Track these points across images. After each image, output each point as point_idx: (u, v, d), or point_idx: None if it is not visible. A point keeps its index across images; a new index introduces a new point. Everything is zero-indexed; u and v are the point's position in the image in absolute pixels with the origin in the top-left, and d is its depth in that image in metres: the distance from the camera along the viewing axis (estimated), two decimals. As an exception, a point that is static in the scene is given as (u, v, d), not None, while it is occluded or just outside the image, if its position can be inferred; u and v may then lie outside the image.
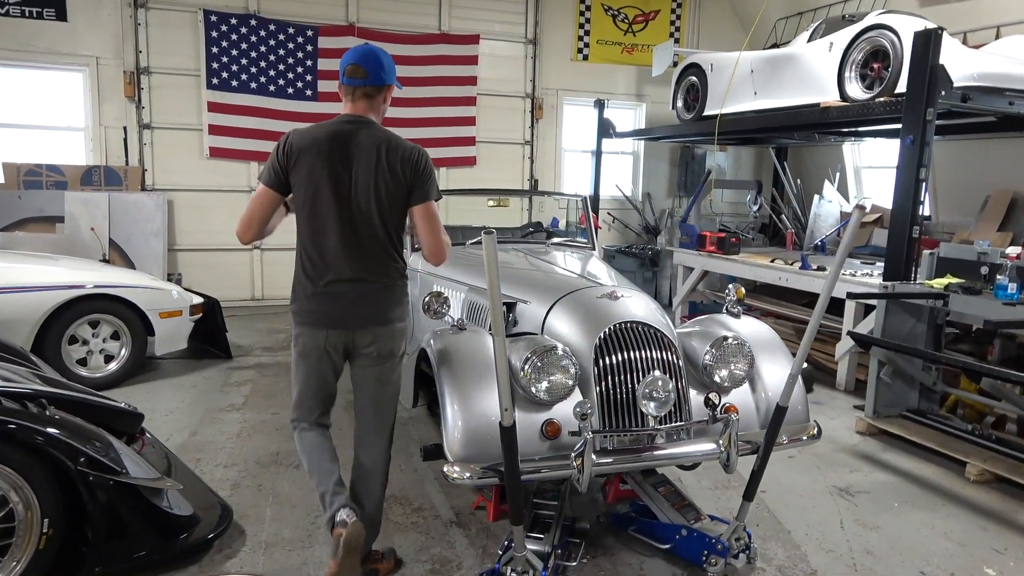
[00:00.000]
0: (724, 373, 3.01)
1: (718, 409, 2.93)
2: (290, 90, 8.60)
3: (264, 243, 8.70)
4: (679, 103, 8.77)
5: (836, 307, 6.39)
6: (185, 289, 6.22)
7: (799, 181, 9.40)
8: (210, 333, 6.43)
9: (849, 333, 5.38)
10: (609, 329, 2.93)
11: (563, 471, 2.67)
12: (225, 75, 8.33)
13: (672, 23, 10.32)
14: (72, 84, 8.10)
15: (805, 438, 3.10)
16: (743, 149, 10.90)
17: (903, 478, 4.19)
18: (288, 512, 3.51)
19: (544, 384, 2.75)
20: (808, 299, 7.10)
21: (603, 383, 2.85)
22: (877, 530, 3.53)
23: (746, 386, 3.08)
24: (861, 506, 3.79)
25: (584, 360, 2.88)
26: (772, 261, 6.90)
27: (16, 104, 7.98)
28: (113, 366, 5.39)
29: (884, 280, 5.24)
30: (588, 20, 9.93)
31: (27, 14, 7.76)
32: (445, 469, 2.62)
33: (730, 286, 3.52)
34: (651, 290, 8.56)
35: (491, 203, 5.22)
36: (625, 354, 2.89)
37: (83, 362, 5.29)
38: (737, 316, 3.40)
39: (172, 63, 8.23)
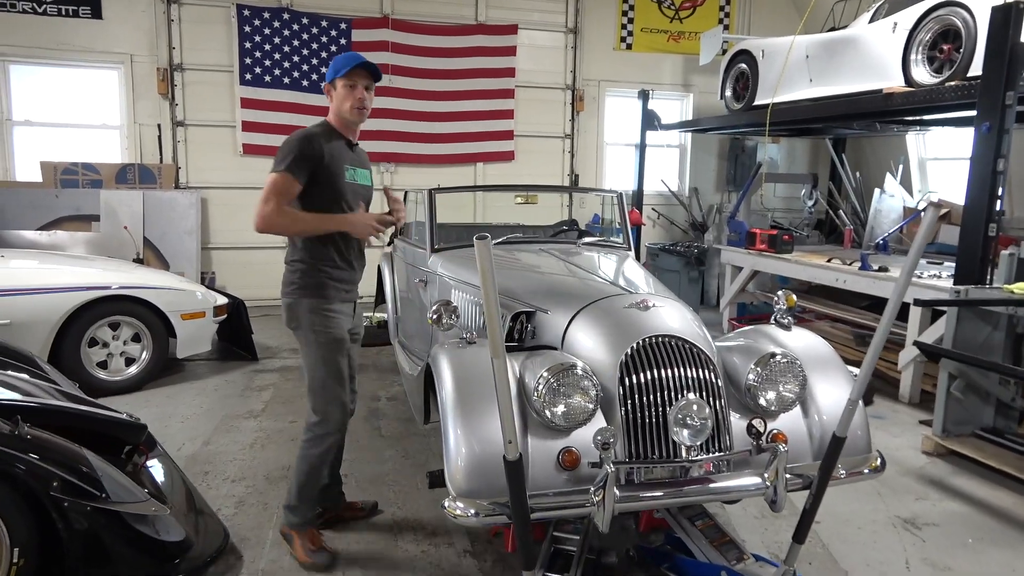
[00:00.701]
0: (771, 396, 2.63)
1: (763, 437, 2.55)
2: (323, 85, 8.39)
3: (298, 241, 8.53)
4: (728, 92, 8.29)
5: (899, 311, 5.89)
6: (214, 289, 6.08)
7: (858, 174, 8.81)
8: (237, 333, 6.28)
9: (916, 343, 4.88)
10: (637, 344, 2.57)
11: (581, 508, 2.34)
12: (258, 70, 8.19)
13: (721, 8, 9.81)
14: (107, 82, 8.07)
15: (866, 471, 2.69)
16: (797, 141, 10.32)
17: (977, 508, 3.72)
18: (291, 535, 3.26)
19: (560, 408, 2.41)
20: (868, 301, 6.57)
21: (629, 406, 2.50)
22: (949, 572, 3.09)
23: (797, 410, 2.69)
24: (930, 541, 3.35)
25: (608, 379, 2.54)
26: (828, 261, 6.40)
27: (54, 103, 7.98)
28: (133, 369, 5.26)
29: (955, 284, 4.73)
30: (632, 7, 9.50)
31: (64, 12, 7.75)
32: (446, 504, 2.31)
33: (779, 292, 3.13)
34: (697, 290, 8.12)
35: (518, 200, 4.88)
36: (655, 372, 2.53)
37: (104, 365, 5.17)
38: (787, 327, 3.01)
39: (205, 59, 8.13)
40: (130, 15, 7.90)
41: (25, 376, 3.65)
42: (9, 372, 3.58)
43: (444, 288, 3.94)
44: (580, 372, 2.45)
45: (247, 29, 8.10)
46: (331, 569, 2.98)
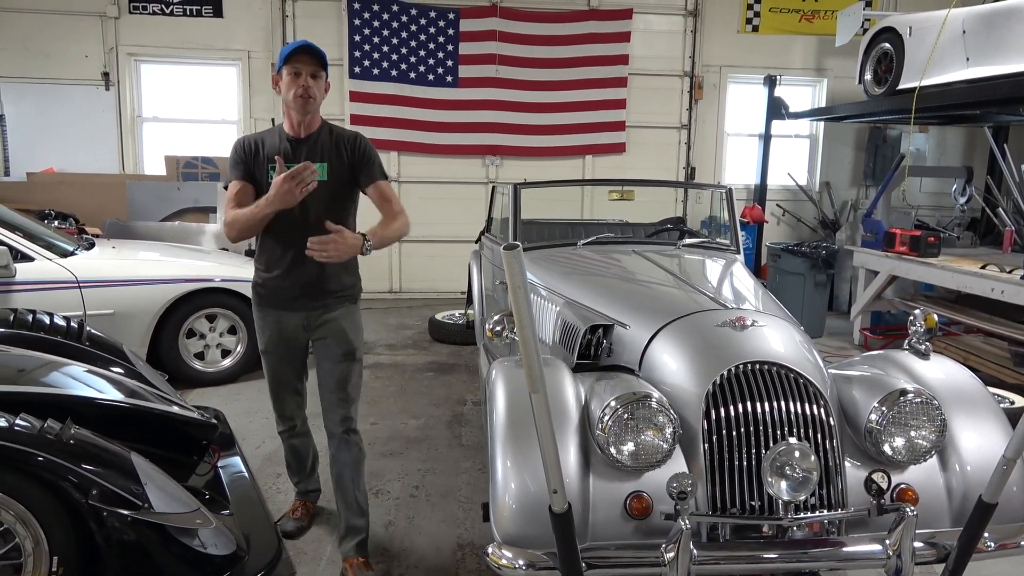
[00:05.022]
0: (899, 443, 2.12)
1: (887, 495, 2.05)
2: (430, 76, 8.30)
3: (403, 235, 8.49)
4: (868, 75, 7.40)
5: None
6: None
7: (1024, 167, 7.67)
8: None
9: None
10: (729, 371, 2.15)
11: (650, 566, 1.96)
12: (367, 63, 8.19)
13: (864, -17, 8.85)
14: (227, 78, 8.33)
15: (1023, 543, 2.14)
16: (949, 129, 9.19)
17: None
18: (349, 553, 3.06)
19: (628, 446, 2.04)
20: (1031, 314, 5.64)
21: (715, 445, 2.08)
22: None
23: (932, 462, 2.17)
24: (1109, 626, 2.69)
25: (691, 413, 2.13)
26: (983, 267, 5.54)
27: (177, 100, 8.35)
28: (228, 362, 5.31)
29: None
30: (760, -14, 8.76)
31: (188, 12, 8.07)
32: (490, 551, 2.00)
33: (916, 311, 2.58)
34: (824, 296, 7.34)
35: (613, 196, 4.48)
36: (749, 406, 2.10)
37: (200, 356, 5.26)
38: (925, 355, 2.46)
39: (317, 53, 8.21)
40: (248, 12, 8.12)
41: (116, 370, 3.67)
42: (81, 365, 3.59)
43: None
44: (655, 405, 2.06)
45: (357, 22, 8.11)
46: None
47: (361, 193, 2.88)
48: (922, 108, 6.38)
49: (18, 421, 2.41)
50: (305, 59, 2.65)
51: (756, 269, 8.41)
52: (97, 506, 2.36)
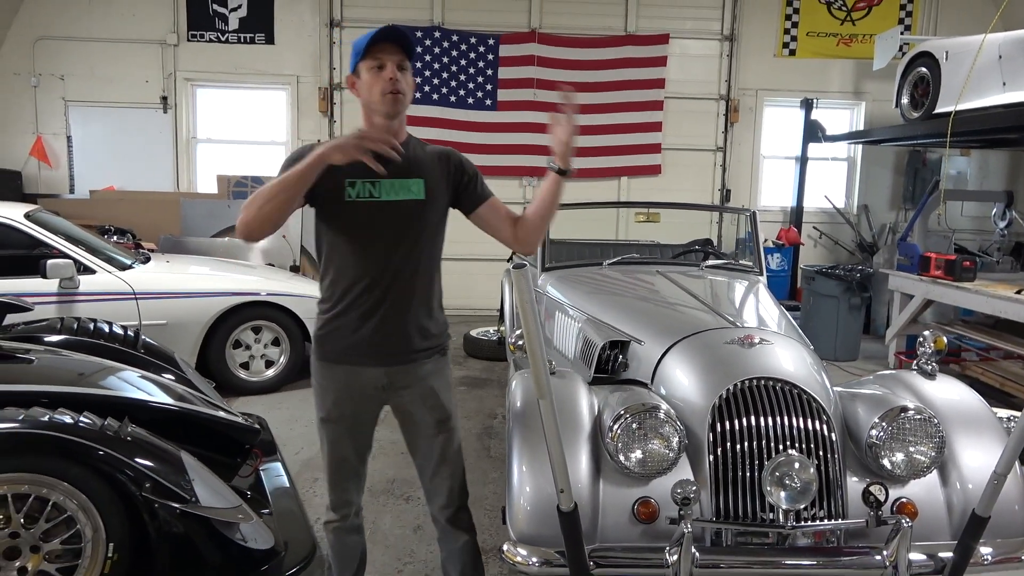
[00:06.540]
0: (898, 458, 2.21)
1: (884, 507, 2.14)
2: (470, 100, 8.57)
3: (441, 253, 8.75)
4: (904, 100, 7.42)
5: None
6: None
7: (1068, 191, 7.58)
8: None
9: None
10: (735, 386, 2.28)
11: (654, 567, 2.09)
12: (409, 88, 8.48)
13: (902, 7, 8.86)
14: (276, 102, 8.73)
15: (1023, 557, 2.20)
16: (991, 153, 9.09)
17: None
18: (379, 553, 3.24)
19: (636, 454, 2.17)
20: (1071, 341, 5.58)
21: (719, 456, 2.20)
22: None
23: (933, 477, 2.25)
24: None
25: (698, 424, 2.26)
26: (1018, 292, 5.50)
27: (230, 122, 8.78)
28: (271, 372, 5.56)
29: None
30: (797, 11, 8.83)
31: (242, 40, 8.50)
32: (505, 549, 2.15)
33: (925, 333, 2.66)
34: (859, 319, 7.31)
35: (639, 218, 4.61)
36: (753, 420, 2.22)
37: (246, 366, 5.52)
38: (931, 375, 2.54)
39: (362, 78, 8.56)
40: (298, 39, 8.51)
41: (168, 376, 3.93)
42: (136, 370, 3.85)
43: (549, 309, 3.78)
44: (663, 416, 2.19)
45: (401, 48, 8.41)
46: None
47: (466, 219, 2.40)
48: (958, 132, 6.39)
49: (82, 419, 2.65)
50: (388, 47, 2.10)
51: (791, 291, 8.41)
52: (150, 498, 2.58)
